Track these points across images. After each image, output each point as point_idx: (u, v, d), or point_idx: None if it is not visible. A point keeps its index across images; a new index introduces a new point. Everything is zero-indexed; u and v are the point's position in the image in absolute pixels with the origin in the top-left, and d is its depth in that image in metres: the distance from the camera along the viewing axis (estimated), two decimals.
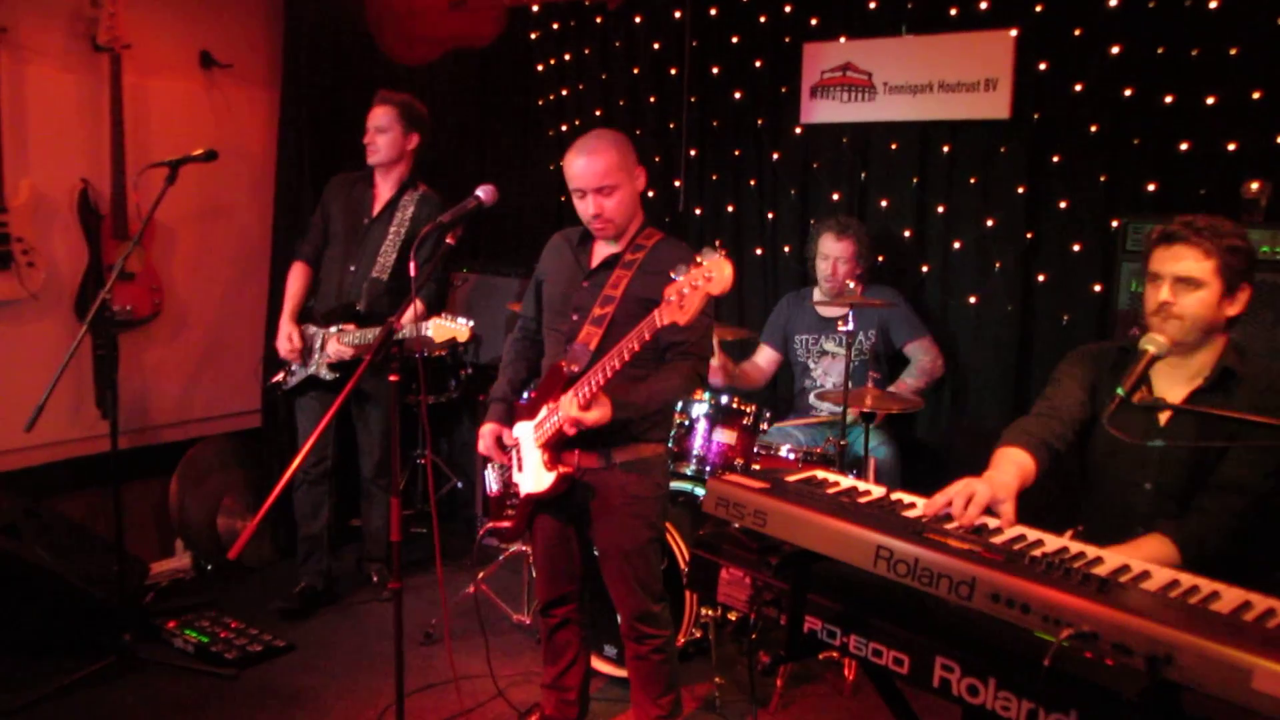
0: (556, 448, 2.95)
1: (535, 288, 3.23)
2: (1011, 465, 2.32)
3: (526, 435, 3.04)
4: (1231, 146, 3.85)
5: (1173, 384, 2.48)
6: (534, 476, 3.00)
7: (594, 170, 2.88)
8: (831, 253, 4.33)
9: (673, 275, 2.51)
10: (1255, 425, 2.21)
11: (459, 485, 5.39)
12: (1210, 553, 2.24)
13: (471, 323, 3.71)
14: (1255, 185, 3.56)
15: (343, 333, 4.07)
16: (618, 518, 3.00)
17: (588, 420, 2.72)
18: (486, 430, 3.15)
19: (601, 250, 3.06)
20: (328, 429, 4.15)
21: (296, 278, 4.31)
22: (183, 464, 4.76)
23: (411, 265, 2.74)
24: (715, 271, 2.43)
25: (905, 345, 4.41)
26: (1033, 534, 1.91)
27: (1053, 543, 1.86)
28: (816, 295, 4.50)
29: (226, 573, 4.74)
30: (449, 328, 3.67)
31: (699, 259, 2.46)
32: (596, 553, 3.13)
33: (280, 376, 4.30)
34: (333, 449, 4.39)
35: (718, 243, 2.57)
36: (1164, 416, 2.48)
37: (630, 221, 3.01)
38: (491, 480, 3.27)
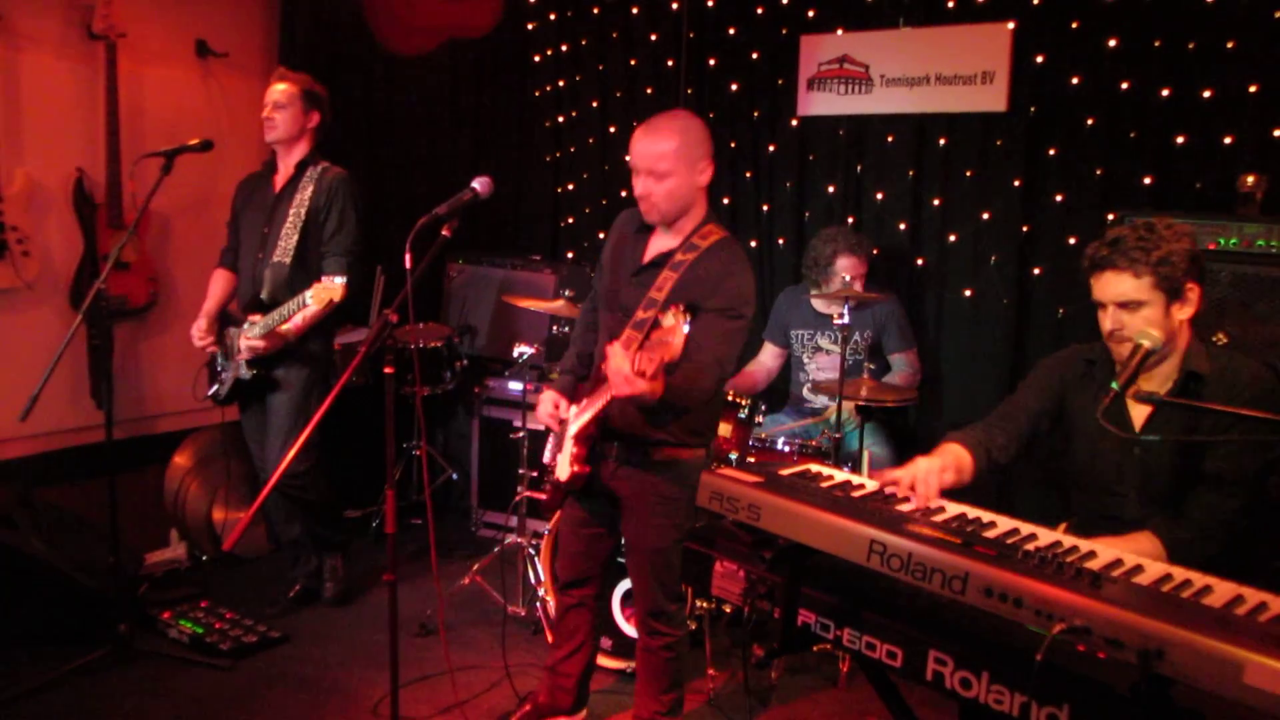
0: (586, 444, 2.97)
1: (599, 267, 3.20)
2: (949, 454, 2.39)
3: (571, 420, 3.06)
4: (1228, 140, 3.86)
5: (1146, 388, 2.47)
6: (563, 463, 3.06)
7: (650, 151, 2.81)
8: (846, 270, 4.30)
9: (659, 320, 2.54)
10: (1234, 422, 2.23)
11: (454, 477, 5.39)
12: (1200, 556, 2.23)
13: (342, 279, 3.63)
14: (1251, 179, 3.56)
15: (250, 325, 3.93)
16: (646, 516, 3.01)
17: (641, 388, 2.56)
18: (546, 396, 3.11)
19: (657, 244, 2.97)
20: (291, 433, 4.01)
21: (213, 282, 4.20)
22: (178, 454, 4.76)
23: (407, 257, 2.72)
24: (671, 336, 2.47)
25: (892, 354, 4.43)
26: (1026, 528, 1.91)
27: (1045, 537, 1.86)
28: (814, 290, 4.50)
29: (221, 563, 4.74)
30: (325, 289, 3.57)
31: (660, 319, 2.49)
32: (624, 543, 3.16)
33: (213, 389, 4.18)
34: (319, 446, 4.24)
35: (677, 309, 2.52)
36: (1139, 421, 2.48)
37: (684, 214, 2.92)
38: (549, 449, 3.28)
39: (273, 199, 4.06)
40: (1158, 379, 2.44)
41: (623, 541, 3.19)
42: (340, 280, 3.61)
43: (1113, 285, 2.36)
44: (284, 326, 3.86)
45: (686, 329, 2.48)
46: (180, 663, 3.80)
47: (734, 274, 2.84)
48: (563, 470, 3.04)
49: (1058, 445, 2.67)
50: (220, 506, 4.77)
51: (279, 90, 4.00)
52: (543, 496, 3.24)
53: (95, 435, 4.05)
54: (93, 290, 3.62)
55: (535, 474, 3.37)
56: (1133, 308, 2.34)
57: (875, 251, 4.56)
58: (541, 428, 3.50)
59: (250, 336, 3.90)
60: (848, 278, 4.26)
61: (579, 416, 3.00)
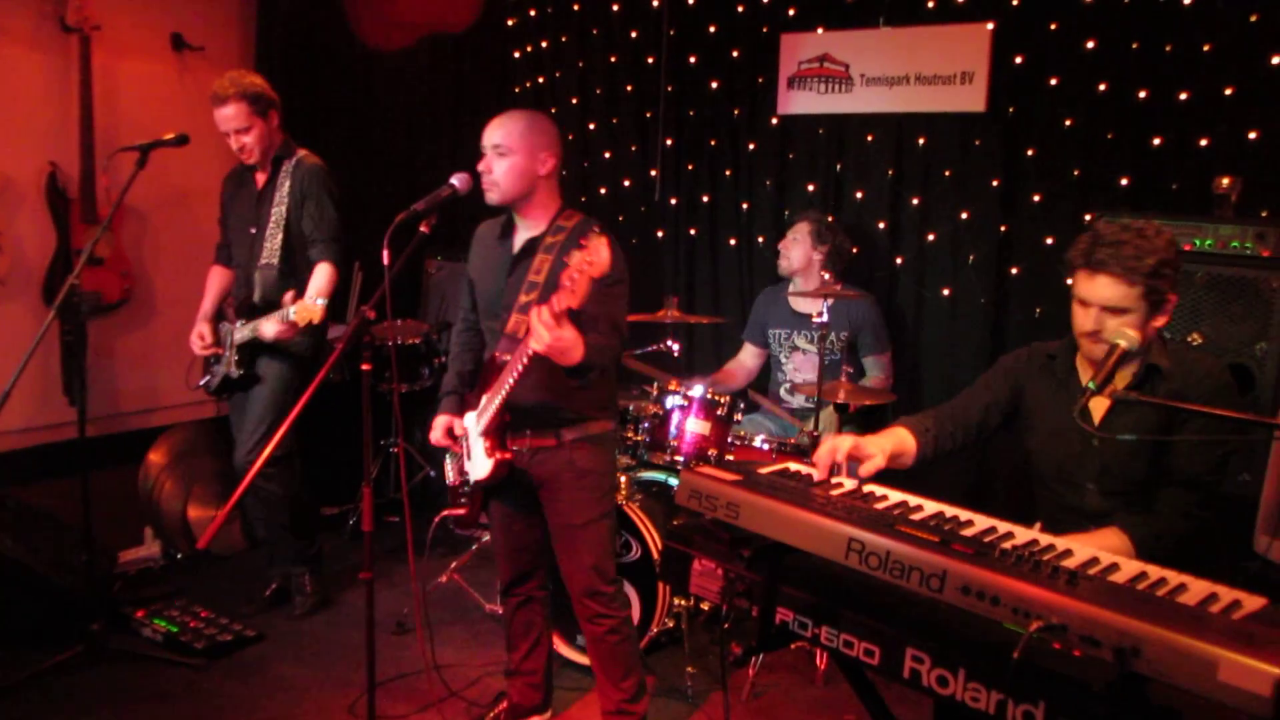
0: (498, 434, 2.99)
1: (469, 285, 3.26)
2: (891, 436, 2.50)
3: (472, 424, 3.09)
4: (1203, 142, 3.89)
5: None
6: (479, 463, 3.06)
7: (496, 130, 2.96)
8: (798, 232, 4.43)
9: (565, 260, 2.56)
10: (1191, 416, 2.30)
11: (431, 474, 5.36)
12: (1167, 550, 2.27)
13: (323, 301, 3.62)
14: (1226, 181, 3.59)
15: (242, 326, 3.96)
16: (567, 493, 3.04)
17: (564, 337, 2.59)
18: (438, 422, 3.18)
19: (521, 236, 3.07)
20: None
21: (211, 279, 4.21)
22: (152, 452, 4.72)
23: (385, 253, 2.71)
24: (594, 255, 2.49)
25: (866, 357, 4.44)
26: (1003, 526, 1.92)
27: (1022, 535, 1.87)
28: (792, 288, 4.51)
29: (196, 562, 4.70)
30: (306, 310, 3.58)
31: (582, 241, 2.51)
32: (549, 527, 3.14)
33: (205, 380, 4.19)
34: (292, 443, 4.21)
35: (596, 228, 2.59)
36: (1097, 415, 2.52)
37: (527, 199, 3.01)
38: (449, 470, 3.29)
39: (255, 198, 4.04)
40: (1120, 374, 2.48)
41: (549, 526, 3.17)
42: (321, 303, 3.59)
43: (1102, 289, 2.37)
44: (267, 332, 3.84)
45: (606, 252, 2.51)
46: (154, 662, 3.77)
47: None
48: (480, 469, 3.04)
49: (1019, 439, 2.71)
50: (195, 504, 4.74)
51: (230, 116, 3.84)
52: (462, 511, 3.21)
53: (68, 432, 4.01)
54: (66, 286, 3.58)
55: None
56: (1117, 313, 2.37)
57: (855, 250, 4.57)
58: None
59: (237, 339, 3.95)
60: (796, 238, 4.38)
61: (482, 414, 3.01)
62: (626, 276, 2.98)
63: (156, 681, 3.65)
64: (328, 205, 3.96)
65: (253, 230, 4.00)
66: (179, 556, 4.74)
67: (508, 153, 2.95)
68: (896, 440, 2.50)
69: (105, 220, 3.92)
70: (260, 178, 4.04)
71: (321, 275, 3.90)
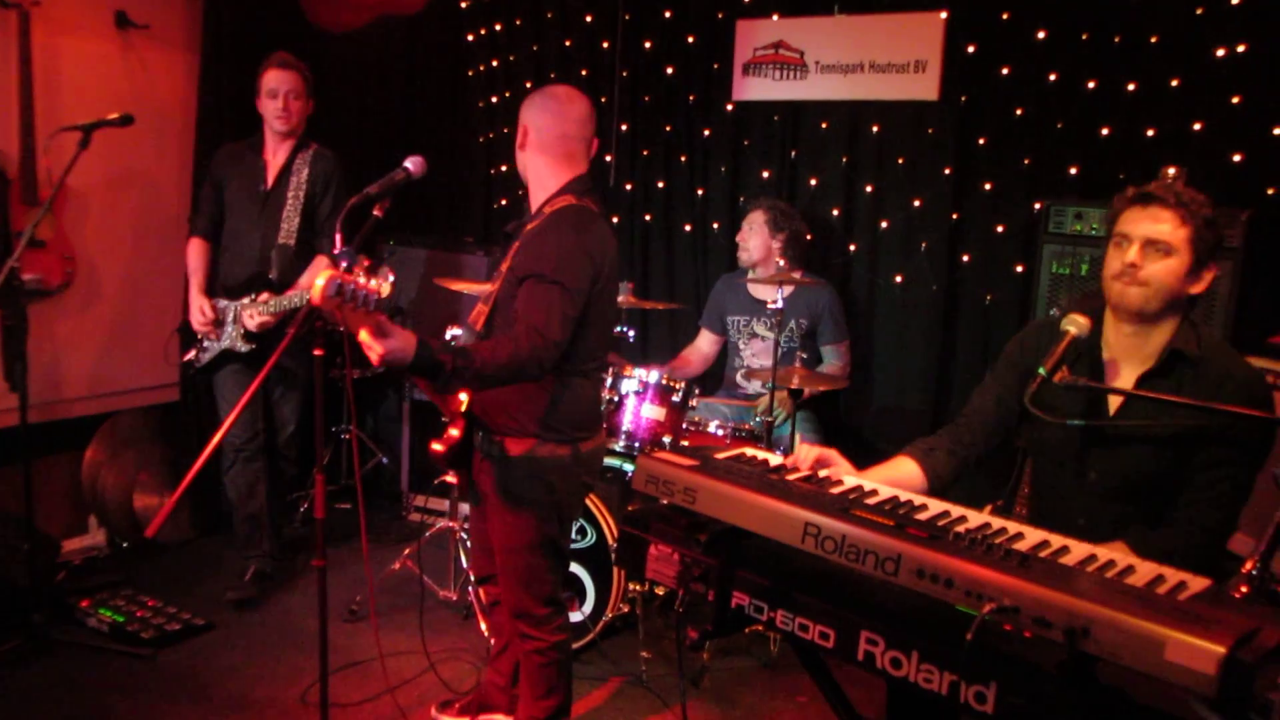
0: (454, 421, 2.90)
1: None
2: (889, 468, 2.34)
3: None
4: (1150, 132, 3.96)
5: (1129, 364, 2.34)
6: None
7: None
8: (752, 222, 4.43)
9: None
10: (1210, 416, 2.14)
11: (384, 461, 5.32)
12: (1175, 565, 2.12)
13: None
14: (1172, 171, 3.64)
15: (258, 303, 4.00)
16: (498, 515, 2.89)
17: (375, 351, 2.39)
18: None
19: (520, 220, 3.01)
20: (255, 402, 4.11)
21: (197, 253, 4.21)
22: (96, 439, 4.62)
23: (337, 238, 2.66)
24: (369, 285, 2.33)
25: (824, 345, 4.47)
26: (956, 510, 1.94)
27: (975, 519, 1.89)
28: (751, 275, 4.52)
29: (142, 550, 4.62)
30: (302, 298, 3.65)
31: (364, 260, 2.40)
32: None
33: (192, 354, 4.20)
34: (264, 422, 4.27)
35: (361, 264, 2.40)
36: (1114, 404, 2.35)
37: (533, 183, 2.91)
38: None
39: (266, 187, 4.12)
40: (1149, 348, 2.30)
41: None
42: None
43: (1150, 222, 2.22)
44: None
45: (374, 281, 2.32)
46: (100, 652, 3.70)
47: (552, 237, 2.73)
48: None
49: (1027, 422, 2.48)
50: (141, 492, 4.66)
51: (291, 78, 4.06)
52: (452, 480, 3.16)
53: (9, 419, 3.91)
54: (5, 269, 3.51)
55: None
56: (1161, 252, 2.21)
57: (809, 238, 4.59)
58: None
59: (264, 312, 3.98)
60: (751, 228, 4.39)
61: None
62: (567, 279, 2.67)
63: (103, 672, 3.58)
64: (344, 201, 3.95)
65: (264, 210, 4.10)
66: (125, 545, 4.66)
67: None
68: (893, 473, 2.31)
69: (47, 202, 3.82)
70: (271, 159, 4.15)
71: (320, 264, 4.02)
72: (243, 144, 4.23)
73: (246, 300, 4.04)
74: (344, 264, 2.36)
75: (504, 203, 5.67)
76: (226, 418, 2.80)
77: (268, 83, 4.06)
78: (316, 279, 2.29)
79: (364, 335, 2.40)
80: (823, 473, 2.13)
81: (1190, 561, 1.94)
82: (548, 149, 2.86)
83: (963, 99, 4.33)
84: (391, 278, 2.44)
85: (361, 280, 2.30)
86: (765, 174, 4.87)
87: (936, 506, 1.95)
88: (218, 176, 4.21)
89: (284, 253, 4.05)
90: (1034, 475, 2.56)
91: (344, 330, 3.89)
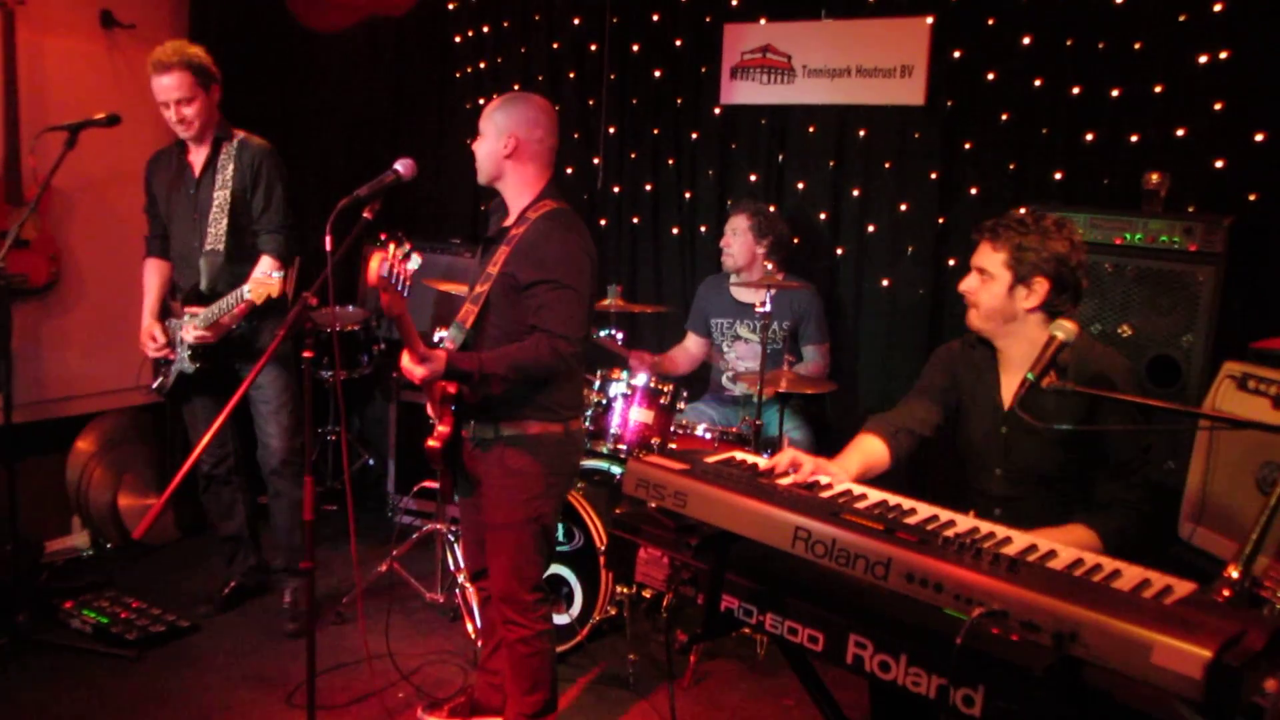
0: (442, 415, 2.98)
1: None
2: (858, 453, 2.52)
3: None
4: (1134, 139, 3.99)
5: (1008, 375, 2.63)
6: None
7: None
8: (734, 228, 4.44)
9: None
10: (1112, 406, 2.41)
11: (370, 462, 5.31)
12: (1131, 542, 2.33)
13: (281, 274, 3.52)
14: (1155, 177, 3.68)
15: (193, 317, 3.77)
16: (493, 491, 2.97)
17: (415, 374, 2.77)
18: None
19: (496, 223, 3.08)
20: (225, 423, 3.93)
21: (151, 274, 3.99)
22: (80, 439, 4.60)
23: (327, 239, 2.66)
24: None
25: (805, 345, 4.49)
26: (945, 514, 1.96)
27: (964, 523, 1.91)
28: (734, 278, 4.53)
29: (127, 551, 4.60)
30: (263, 285, 3.49)
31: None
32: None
33: (159, 381, 4.00)
34: (235, 442, 4.09)
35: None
36: (1008, 399, 2.61)
37: (497, 180, 3.04)
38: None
39: (194, 181, 3.85)
40: (1018, 361, 2.57)
41: None
42: (278, 275, 3.49)
43: (977, 253, 2.60)
44: (224, 318, 3.73)
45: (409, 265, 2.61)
46: (84, 654, 3.68)
47: (553, 241, 2.88)
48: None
49: (954, 425, 2.78)
50: (126, 493, 4.64)
51: (172, 85, 3.66)
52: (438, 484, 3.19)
53: None
54: None
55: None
56: (985, 276, 2.56)
57: (795, 241, 4.61)
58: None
59: (197, 328, 3.73)
60: (735, 232, 4.41)
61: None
62: (575, 280, 2.85)
63: (86, 674, 3.56)
64: (278, 192, 3.83)
65: (195, 216, 3.82)
66: (109, 546, 4.64)
67: (480, 136, 3.01)
68: (864, 455, 2.52)
69: (33, 202, 3.80)
70: (196, 160, 3.86)
71: (265, 265, 3.69)
72: (171, 147, 3.95)
73: (186, 318, 3.80)
74: (392, 247, 2.61)
75: (490, 205, 5.66)
76: (198, 443, 2.76)
77: (154, 92, 3.69)
78: (371, 262, 2.57)
79: (406, 361, 2.77)
80: (806, 471, 2.19)
81: (1135, 535, 2.41)
82: (537, 158, 3.01)
83: (949, 104, 4.35)
84: (419, 261, 2.67)
85: (399, 261, 2.60)
86: (753, 177, 4.89)
87: (925, 511, 1.97)
88: (150, 189, 3.98)
89: (212, 260, 3.75)
90: (965, 469, 2.78)
91: (335, 331, 3.88)
